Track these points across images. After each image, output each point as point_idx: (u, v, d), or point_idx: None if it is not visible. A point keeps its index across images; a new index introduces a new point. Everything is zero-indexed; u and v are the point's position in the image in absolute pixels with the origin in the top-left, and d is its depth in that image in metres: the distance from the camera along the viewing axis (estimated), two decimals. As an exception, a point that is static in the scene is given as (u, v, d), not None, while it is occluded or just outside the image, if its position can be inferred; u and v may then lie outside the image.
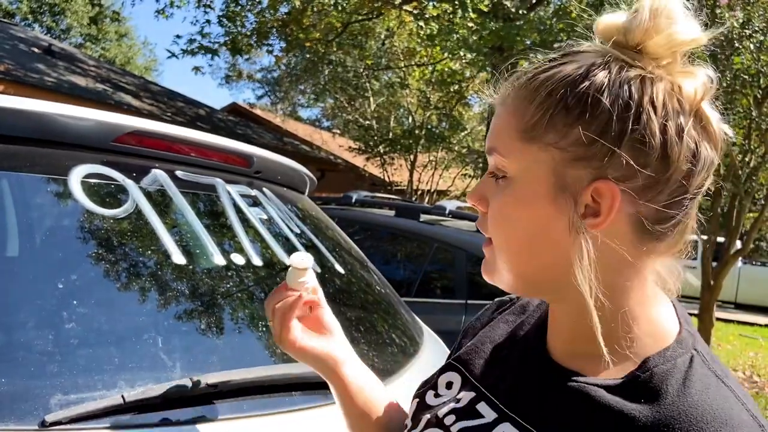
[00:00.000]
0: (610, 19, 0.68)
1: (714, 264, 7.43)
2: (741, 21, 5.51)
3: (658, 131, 0.63)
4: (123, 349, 0.99)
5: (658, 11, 0.65)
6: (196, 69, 9.67)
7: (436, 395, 0.82)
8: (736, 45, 5.65)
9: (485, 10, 8.21)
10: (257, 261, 1.34)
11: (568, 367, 0.71)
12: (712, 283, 7.32)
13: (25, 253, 1.07)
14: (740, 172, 6.75)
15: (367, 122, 14.37)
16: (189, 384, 0.95)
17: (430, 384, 0.85)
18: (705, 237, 7.39)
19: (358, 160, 15.34)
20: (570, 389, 0.68)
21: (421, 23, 8.68)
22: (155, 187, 1.29)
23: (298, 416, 1.07)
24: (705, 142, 0.65)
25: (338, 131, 19.28)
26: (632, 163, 0.63)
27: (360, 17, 10.08)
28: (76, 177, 1.16)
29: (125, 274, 1.11)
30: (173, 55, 8.90)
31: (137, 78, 14.56)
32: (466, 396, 0.78)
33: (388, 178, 14.19)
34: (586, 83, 0.64)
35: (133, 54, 27.30)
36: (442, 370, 0.85)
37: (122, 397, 0.89)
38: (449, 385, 0.82)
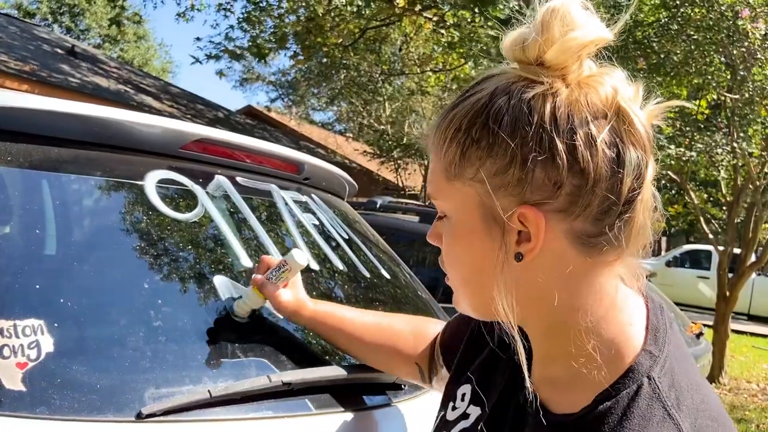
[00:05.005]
0: (511, 37, 0.67)
1: (730, 275, 7.41)
2: (764, 33, 5.52)
3: (562, 146, 0.61)
4: (204, 347, 1.05)
5: (550, 19, 0.63)
6: (221, 74, 9.79)
7: (454, 408, 0.85)
8: (759, 56, 5.66)
9: (503, 18, 8.25)
10: (314, 265, 1.39)
11: (540, 393, 0.70)
12: (727, 294, 7.30)
13: (112, 255, 1.13)
14: (758, 183, 6.74)
15: (382, 127, 14.44)
16: (266, 381, 1.00)
17: (450, 397, 0.88)
18: (721, 248, 7.38)
19: (372, 165, 15.40)
20: (535, 422, 0.69)
21: (442, 31, 8.73)
22: (220, 192, 1.35)
23: (364, 415, 1.12)
24: (630, 145, 0.63)
25: (351, 135, 19.36)
26: (547, 183, 0.62)
27: (377, 23, 10.15)
28: (151, 182, 1.22)
29: (200, 276, 1.17)
30: (197, 60, 9.00)
31: (157, 80, 14.71)
32: (474, 413, 0.81)
33: (402, 182, 14.24)
34: (486, 112, 0.64)
35: (151, 56, 27.52)
36: (462, 382, 0.88)
37: (209, 391, 0.94)
38: (463, 398, 0.85)
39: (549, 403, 0.69)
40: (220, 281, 1.15)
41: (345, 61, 11.42)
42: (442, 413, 0.88)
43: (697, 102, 7.11)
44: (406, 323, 1.15)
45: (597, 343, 0.65)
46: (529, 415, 0.71)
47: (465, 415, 0.82)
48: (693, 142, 6.69)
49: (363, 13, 8.77)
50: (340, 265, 1.47)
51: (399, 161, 13.86)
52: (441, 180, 0.70)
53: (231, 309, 1.11)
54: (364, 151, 15.33)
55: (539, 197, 0.63)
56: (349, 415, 1.09)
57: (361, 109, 15.06)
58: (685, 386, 0.64)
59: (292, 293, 1.12)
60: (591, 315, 0.66)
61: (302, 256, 1.11)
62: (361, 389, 1.15)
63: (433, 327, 1.12)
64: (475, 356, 0.89)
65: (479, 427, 0.78)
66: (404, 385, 1.23)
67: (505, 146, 0.63)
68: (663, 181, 10.39)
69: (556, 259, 0.65)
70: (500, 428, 0.76)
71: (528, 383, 0.68)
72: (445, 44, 8.97)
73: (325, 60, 11.49)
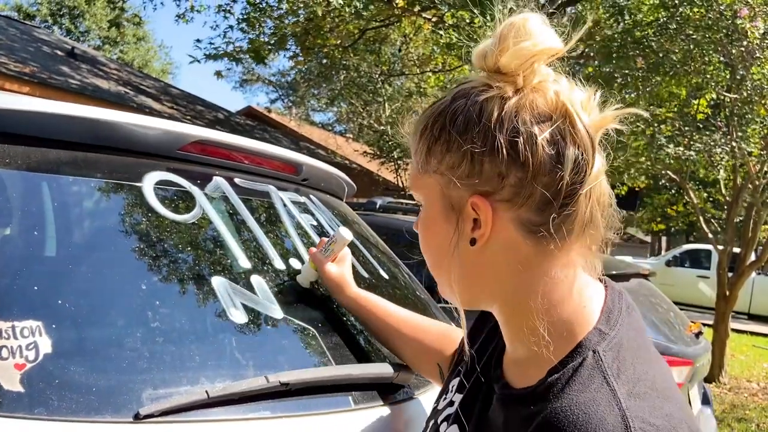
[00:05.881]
0: (478, 48, 0.75)
1: (729, 275, 7.40)
2: (762, 32, 5.52)
3: (505, 143, 0.69)
4: (201, 348, 1.05)
5: (506, 31, 0.72)
6: (218, 74, 9.78)
7: (444, 398, 0.93)
8: (758, 55, 5.66)
9: (502, 18, 8.24)
10: (313, 266, 1.40)
11: (507, 373, 0.79)
12: (727, 293, 7.30)
13: (110, 256, 1.13)
14: (757, 182, 6.74)
15: (382, 127, 14.43)
16: (263, 382, 1.00)
17: (444, 389, 0.95)
18: (721, 247, 7.38)
19: (372, 165, 15.39)
20: (497, 397, 0.77)
21: (441, 32, 8.74)
22: (218, 193, 1.35)
23: (359, 415, 1.12)
24: (570, 144, 0.70)
25: (351, 136, 19.36)
26: (493, 175, 0.71)
27: (377, 24, 10.15)
28: (149, 184, 1.23)
29: (198, 278, 1.17)
30: (195, 59, 9.01)
31: (157, 81, 14.72)
32: (458, 399, 0.88)
33: (402, 183, 14.23)
34: (446, 113, 0.74)
35: (150, 57, 27.54)
36: (454, 375, 0.95)
37: (206, 392, 0.94)
38: (452, 388, 0.92)
39: (513, 381, 0.77)
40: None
41: (345, 62, 11.41)
42: (435, 405, 0.95)
43: (697, 101, 7.11)
44: (436, 326, 1.24)
45: (550, 325, 0.72)
46: (495, 393, 0.79)
47: (451, 403, 0.89)
48: (692, 142, 6.70)
49: (362, 14, 8.77)
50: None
51: (399, 162, 13.84)
52: (414, 172, 0.80)
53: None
54: (364, 152, 15.31)
55: (488, 188, 0.72)
56: (346, 415, 1.09)
57: (361, 110, 15.03)
58: (629, 360, 0.69)
59: (339, 270, 1.26)
60: (544, 298, 0.73)
61: (348, 232, 1.26)
62: (359, 389, 1.16)
63: (461, 334, 1.13)
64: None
65: (456, 409, 0.86)
66: (403, 385, 1.23)
67: (458, 143, 0.72)
68: (663, 181, 10.41)
69: (507, 246, 0.73)
70: (472, 407, 0.83)
71: (467, 353, 0.83)
72: (444, 45, 8.97)
73: (324, 61, 11.49)
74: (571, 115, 0.70)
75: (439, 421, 0.88)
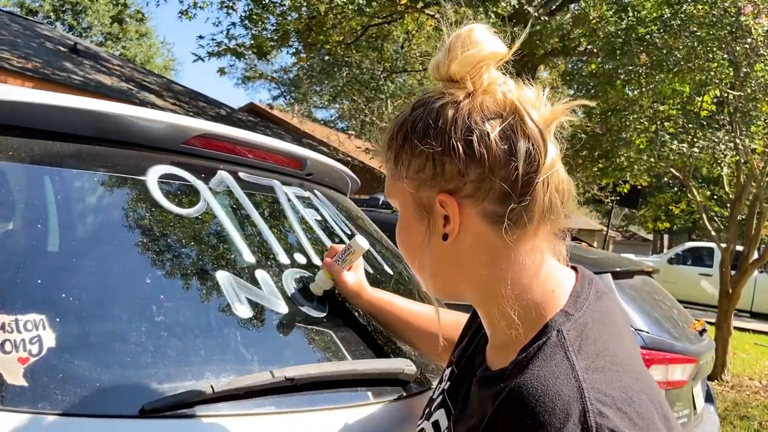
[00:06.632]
0: (432, 60, 0.82)
1: (732, 272, 7.38)
2: (766, 28, 5.50)
3: (461, 143, 0.75)
4: (206, 342, 1.05)
5: (454, 42, 0.78)
6: (221, 71, 9.73)
7: (438, 387, 0.98)
8: (762, 52, 5.64)
9: (505, 15, 8.23)
10: (317, 261, 1.39)
11: (488, 359, 0.84)
12: (730, 291, 7.28)
13: (114, 250, 1.12)
14: (761, 179, 6.71)
15: (384, 124, 14.42)
16: (269, 377, 0.99)
17: (440, 380, 0.99)
18: (724, 245, 7.36)
19: (374, 162, 15.39)
20: (476, 380, 0.82)
21: (444, 28, 8.72)
22: (222, 187, 1.34)
23: (365, 410, 1.11)
24: (521, 138, 0.75)
25: (353, 133, 19.34)
26: (455, 173, 0.77)
27: (379, 20, 10.13)
28: (153, 177, 1.22)
29: (202, 272, 1.16)
30: (199, 58, 8.96)
31: (160, 77, 14.71)
32: (448, 386, 0.93)
33: (404, 180, 14.22)
34: (407, 122, 0.80)
35: (153, 54, 27.53)
36: (448, 365, 1.00)
37: (211, 387, 0.93)
38: (445, 378, 0.97)
39: (492, 365, 0.82)
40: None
41: (347, 59, 11.40)
42: (431, 395, 0.99)
43: (700, 99, 7.09)
44: (452, 317, 1.26)
45: (521, 309, 0.77)
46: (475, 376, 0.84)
47: (443, 391, 0.94)
48: (696, 139, 6.68)
49: (365, 10, 8.75)
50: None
51: (401, 159, 13.86)
52: (389, 180, 0.86)
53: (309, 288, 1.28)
54: (367, 149, 15.32)
55: (452, 186, 0.77)
56: (352, 410, 1.08)
57: (363, 107, 15.03)
58: (592, 338, 0.73)
59: (355, 277, 1.31)
60: (513, 284, 0.78)
61: (364, 241, 1.28)
62: (365, 384, 1.15)
63: None
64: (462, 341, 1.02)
65: (444, 395, 0.92)
66: (409, 381, 1.22)
67: (419, 148, 0.78)
68: (665, 179, 10.39)
69: (476, 238, 0.78)
70: (458, 393, 0.88)
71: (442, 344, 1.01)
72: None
73: (327, 58, 11.48)
74: (520, 111, 0.76)
75: (432, 409, 0.93)
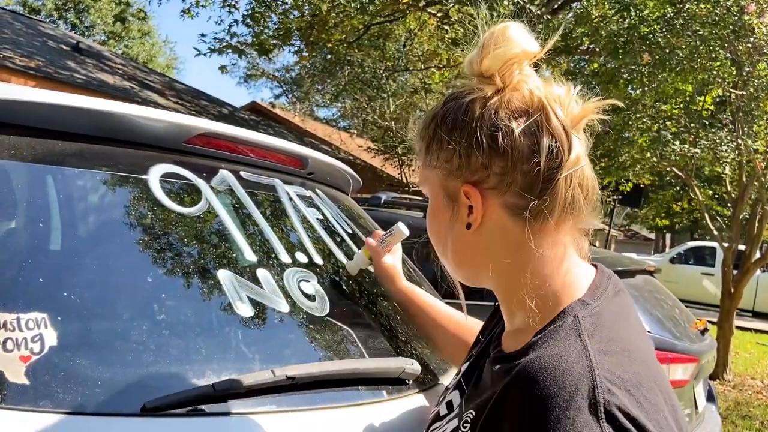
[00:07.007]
0: (467, 56, 0.85)
1: (734, 272, 7.37)
2: (770, 28, 5.48)
3: (486, 138, 0.78)
4: (208, 341, 1.05)
5: (487, 39, 0.81)
6: (223, 68, 9.73)
7: (455, 379, 0.99)
8: (764, 51, 5.62)
9: (508, 13, 8.22)
10: (318, 260, 1.39)
11: (504, 344, 0.86)
12: (732, 291, 7.27)
13: (116, 249, 1.13)
14: (763, 179, 6.70)
15: (386, 123, 14.41)
16: (270, 375, 1.00)
17: (457, 374, 1.00)
18: (726, 245, 7.35)
19: (376, 161, 15.40)
20: (489, 360, 0.85)
21: (447, 27, 8.71)
22: (224, 186, 1.34)
23: (366, 409, 1.11)
24: (546, 135, 0.77)
25: (355, 131, 19.34)
26: (479, 166, 0.80)
27: (381, 19, 10.12)
28: (154, 176, 1.22)
29: (204, 271, 1.17)
30: (201, 53, 8.98)
31: (162, 76, 14.72)
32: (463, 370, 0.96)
33: (406, 179, 14.23)
34: (439, 115, 0.84)
35: (155, 52, 27.55)
36: (465, 360, 1.02)
37: (212, 385, 0.94)
38: (461, 370, 0.98)
39: (507, 349, 0.84)
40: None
41: (349, 58, 11.39)
42: (447, 384, 1.02)
43: (703, 98, 7.07)
44: (476, 323, 1.26)
45: (539, 298, 0.79)
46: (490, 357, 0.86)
47: (458, 373, 0.98)
48: (698, 139, 6.66)
49: (367, 9, 8.74)
50: (344, 260, 1.46)
51: (403, 157, 13.84)
52: (420, 169, 0.90)
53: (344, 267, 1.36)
54: (368, 148, 15.32)
55: (477, 177, 0.81)
56: (353, 409, 1.08)
57: (365, 106, 15.02)
58: (607, 326, 0.75)
59: (393, 261, 1.37)
60: (533, 274, 0.80)
61: (405, 227, 1.35)
62: (365, 383, 1.15)
63: None
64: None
65: (459, 378, 0.95)
66: (408, 380, 1.22)
67: (448, 140, 0.82)
68: (668, 178, 10.36)
69: (498, 228, 0.81)
70: (472, 374, 0.91)
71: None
72: (449, 41, 8.94)
73: (329, 56, 11.46)
74: (546, 108, 0.78)
75: (447, 393, 0.96)
